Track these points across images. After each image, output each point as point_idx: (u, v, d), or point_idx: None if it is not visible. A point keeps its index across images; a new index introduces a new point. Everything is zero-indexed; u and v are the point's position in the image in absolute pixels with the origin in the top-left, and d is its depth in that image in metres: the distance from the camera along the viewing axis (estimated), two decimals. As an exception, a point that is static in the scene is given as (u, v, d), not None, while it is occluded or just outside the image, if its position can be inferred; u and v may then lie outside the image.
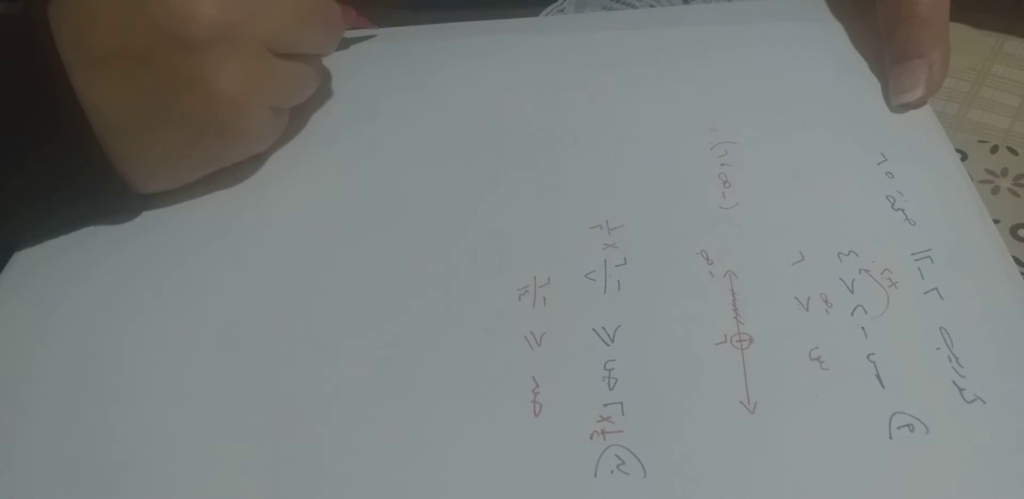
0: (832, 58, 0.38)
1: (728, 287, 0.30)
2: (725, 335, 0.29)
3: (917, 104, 0.35)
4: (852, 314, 0.29)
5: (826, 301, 0.29)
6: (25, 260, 0.34)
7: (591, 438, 0.27)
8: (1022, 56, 0.40)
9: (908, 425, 0.26)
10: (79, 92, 0.30)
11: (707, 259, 0.31)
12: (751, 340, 0.29)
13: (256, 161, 0.36)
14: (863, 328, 0.29)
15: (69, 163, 0.31)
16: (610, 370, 0.28)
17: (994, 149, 0.36)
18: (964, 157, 0.36)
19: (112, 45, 0.30)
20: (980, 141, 0.37)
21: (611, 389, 0.28)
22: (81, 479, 0.27)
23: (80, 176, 0.32)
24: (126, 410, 0.29)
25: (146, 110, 0.31)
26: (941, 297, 0.29)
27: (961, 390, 0.27)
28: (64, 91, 0.30)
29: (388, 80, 0.39)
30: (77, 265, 0.33)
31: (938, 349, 0.28)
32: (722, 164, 0.34)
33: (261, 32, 0.32)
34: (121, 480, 0.27)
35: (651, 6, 0.43)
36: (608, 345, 0.29)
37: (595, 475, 0.26)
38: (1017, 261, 0.31)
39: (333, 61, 0.40)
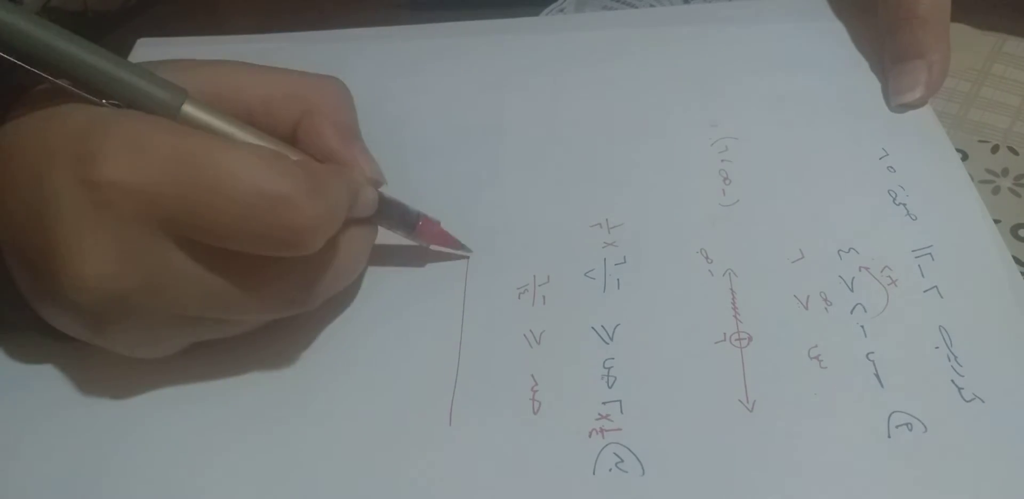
0: (832, 58, 0.38)
1: (727, 285, 0.30)
2: (724, 333, 0.29)
3: (917, 104, 0.35)
4: (851, 312, 0.29)
5: (825, 299, 0.29)
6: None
7: (590, 436, 0.27)
8: (1022, 56, 0.40)
9: (907, 424, 0.26)
10: None
11: (707, 257, 0.31)
12: (750, 338, 0.29)
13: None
14: (862, 327, 0.29)
15: None
16: (609, 368, 0.28)
17: (995, 149, 0.36)
18: (965, 157, 0.36)
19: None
20: (981, 141, 0.37)
21: (610, 387, 0.28)
22: None
23: None
24: None
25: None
26: (941, 296, 0.29)
27: (960, 389, 0.27)
28: None
29: (388, 80, 0.39)
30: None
31: (937, 348, 0.28)
32: (722, 160, 0.34)
33: (164, 302, 0.25)
34: None
35: (651, 5, 0.43)
36: (607, 343, 0.29)
37: (593, 473, 0.26)
38: (1017, 261, 0.31)
39: (331, 60, 0.40)
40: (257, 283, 0.26)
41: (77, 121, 0.24)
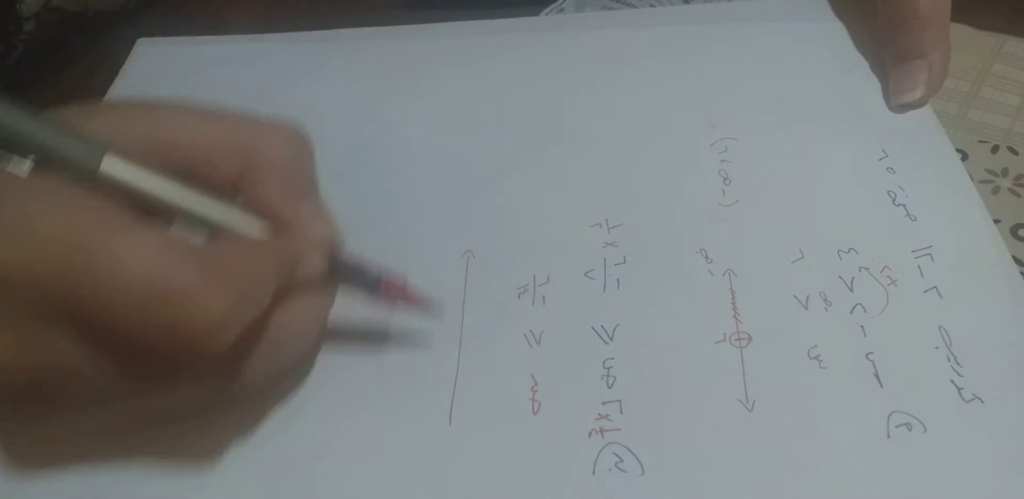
0: (832, 58, 0.38)
1: (727, 285, 0.30)
2: (724, 333, 0.29)
3: (917, 104, 0.35)
4: (851, 312, 0.29)
5: (825, 299, 0.29)
6: None
7: (589, 436, 0.27)
8: (1022, 56, 0.40)
9: (906, 424, 0.26)
10: None
11: (706, 257, 0.31)
12: (750, 338, 0.29)
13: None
14: (862, 327, 0.29)
15: None
16: (609, 368, 0.28)
17: (994, 149, 0.36)
18: (964, 157, 0.35)
19: None
20: (980, 141, 0.37)
21: (610, 387, 0.28)
22: None
23: None
24: None
25: None
26: (940, 296, 0.29)
27: (959, 389, 0.27)
28: None
29: (388, 80, 0.39)
30: None
31: (937, 348, 0.28)
32: (722, 161, 0.34)
33: (71, 390, 0.24)
34: None
35: (651, 5, 0.43)
36: (607, 343, 0.29)
37: (593, 473, 0.26)
38: (1017, 261, 0.31)
39: (332, 60, 0.40)
40: (166, 374, 0.23)
41: None
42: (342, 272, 0.27)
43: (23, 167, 0.23)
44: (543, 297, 0.31)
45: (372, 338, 0.30)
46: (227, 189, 0.26)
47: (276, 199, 0.25)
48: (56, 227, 0.22)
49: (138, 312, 0.21)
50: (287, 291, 0.25)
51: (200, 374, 0.24)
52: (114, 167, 0.23)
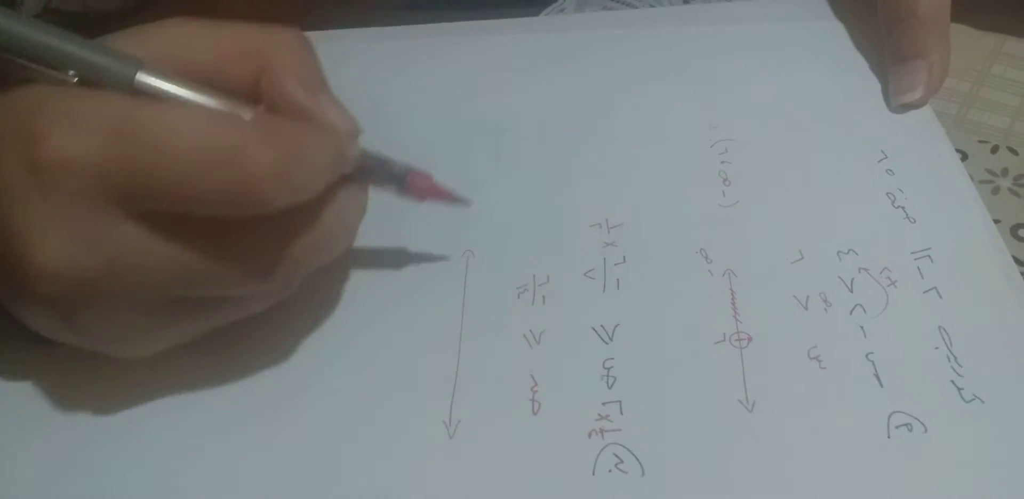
0: (832, 58, 0.38)
1: (727, 286, 0.30)
2: (724, 334, 0.29)
3: (917, 104, 0.35)
4: (851, 313, 0.29)
5: (825, 300, 0.29)
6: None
7: (589, 436, 0.27)
8: (1022, 56, 0.40)
9: (906, 424, 0.26)
10: None
11: (706, 258, 0.31)
12: (750, 339, 0.29)
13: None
14: (862, 327, 0.29)
15: None
16: (609, 369, 0.28)
17: (994, 149, 0.36)
18: (964, 157, 0.36)
19: None
20: (980, 141, 0.37)
21: (610, 388, 0.28)
22: None
23: None
24: None
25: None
26: (940, 296, 0.29)
27: (960, 389, 0.27)
28: None
29: (388, 80, 0.39)
30: None
31: (937, 348, 0.28)
32: (722, 162, 0.34)
33: (132, 284, 0.24)
34: None
35: (651, 6, 0.43)
36: (607, 343, 0.29)
37: (593, 473, 0.26)
38: (1017, 261, 0.31)
39: (331, 60, 0.40)
40: (230, 251, 0.24)
41: (24, 100, 0.23)
42: (367, 162, 0.28)
43: (67, 77, 0.24)
44: (543, 297, 0.31)
45: (373, 338, 0.30)
46: (246, 94, 0.26)
47: (299, 95, 0.26)
48: (108, 117, 0.22)
49: (196, 174, 0.22)
50: (328, 186, 0.26)
51: (265, 246, 0.25)
52: (148, 78, 0.24)
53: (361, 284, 0.32)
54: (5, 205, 0.23)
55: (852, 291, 0.30)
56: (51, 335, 0.26)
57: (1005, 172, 0.35)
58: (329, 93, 0.27)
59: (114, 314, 0.25)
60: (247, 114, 0.25)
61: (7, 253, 0.23)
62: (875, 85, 0.36)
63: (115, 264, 0.23)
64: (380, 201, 0.34)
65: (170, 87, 0.25)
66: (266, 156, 0.22)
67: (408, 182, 0.28)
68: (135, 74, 0.24)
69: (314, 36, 0.41)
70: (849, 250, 0.31)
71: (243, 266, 0.24)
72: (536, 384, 0.28)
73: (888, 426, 0.26)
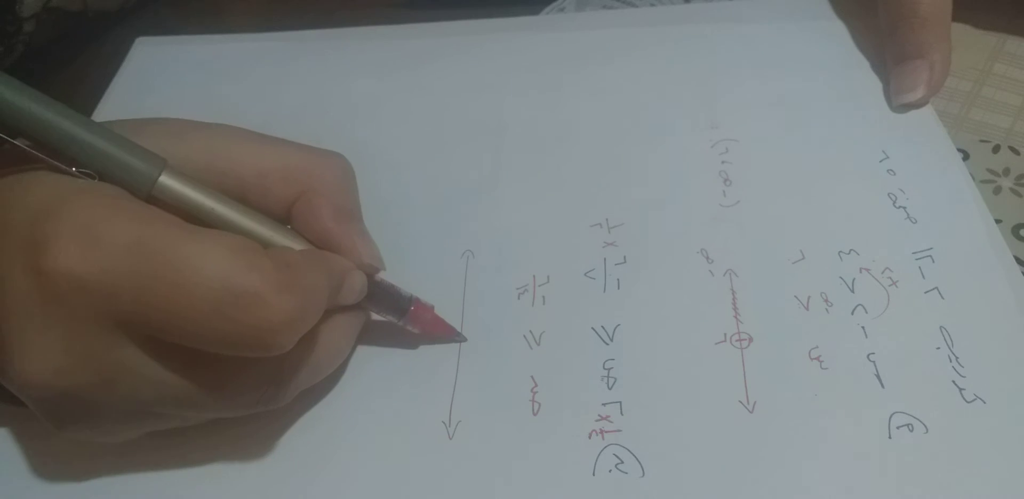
0: (833, 57, 0.38)
1: (728, 286, 0.30)
2: (725, 334, 0.29)
3: (918, 104, 0.35)
4: (852, 313, 0.29)
5: (826, 300, 0.29)
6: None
7: (590, 437, 0.27)
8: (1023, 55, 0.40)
9: (907, 425, 0.26)
10: None
11: (707, 258, 0.31)
12: (751, 339, 0.29)
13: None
14: (863, 327, 0.29)
15: None
16: (609, 369, 0.28)
17: (996, 149, 0.36)
18: (966, 157, 0.35)
19: None
20: (982, 141, 0.37)
21: (610, 388, 0.28)
22: None
23: None
24: None
25: None
26: (942, 296, 0.29)
27: (961, 390, 0.27)
28: None
29: (388, 79, 0.39)
30: None
31: (938, 349, 0.28)
32: (723, 162, 0.34)
33: (118, 399, 0.23)
34: None
35: (651, 5, 0.43)
36: (607, 344, 0.29)
37: (593, 474, 0.26)
38: (1019, 261, 0.31)
39: (331, 59, 0.40)
40: (221, 383, 0.24)
41: (37, 196, 0.22)
42: (377, 293, 0.28)
43: (88, 174, 0.23)
44: (543, 297, 0.31)
45: (372, 338, 0.30)
46: (278, 213, 0.26)
47: (330, 224, 0.26)
48: (124, 234, 0.22)
49: (212, 314, 0.21)
50: (330, 310, 0.26)
51: (257, 381, 0.24)
52: (171, 182, 0.24)
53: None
54: (3, 306, 0.22)
55: (853, 291, 0.30)
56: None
57: (1007, 172, 0.35)
58: (361, 225, 0.28)
59: (98, 421, 0.24)
60: (282, 235, 0.25)
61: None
62: (876, 85, 0.36)
63: (104, 380, 0.23)
64: (380, 201, 0.34)
65: (194, 196, 0.24)
66: (287, 305, 0.22)
67: (411, 313, 0.28)
68: (158, 176, 0.24)
69: (313, 35, 0.42)
70: (850, 250, 0.31)
71: (232, 395, 0.24)
72: (536, 385, 0.28)
73: (889, 426, 0.26)
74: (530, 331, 0.30)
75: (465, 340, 0.30)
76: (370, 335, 0.30)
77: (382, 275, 0.28)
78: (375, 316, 0.29)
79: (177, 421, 0.26)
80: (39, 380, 0.22)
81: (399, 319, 0.28)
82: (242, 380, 0.24)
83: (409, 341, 0.30)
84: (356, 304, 0.27)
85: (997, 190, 0.35)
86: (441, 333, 0.29)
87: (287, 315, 0.22)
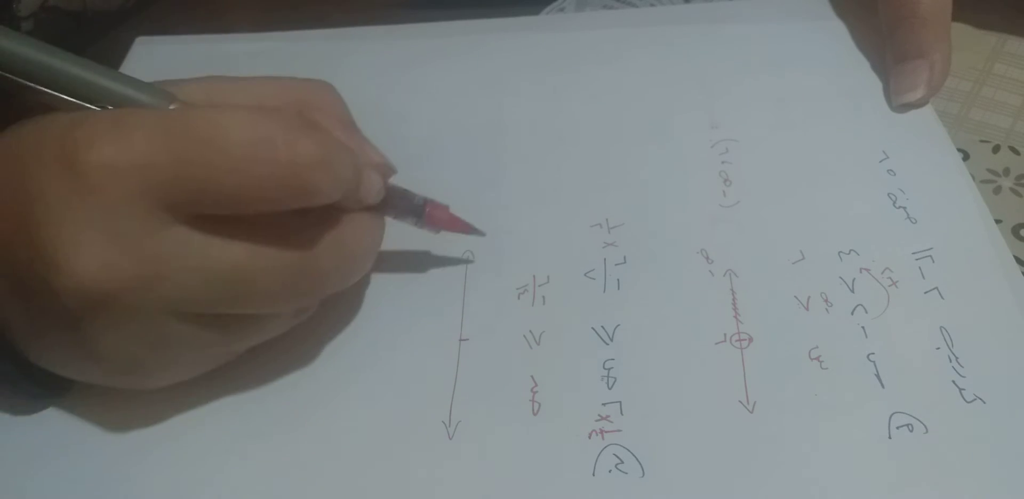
0: (833, 57, 0.38)
1: (728, 286, 0.30)
2: (725, 334, 0.29)
3: (918, 104, 0.35)
4: (852, 313, 0.29)
5: (826, 300, 0.29)
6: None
7: (590, 437, 0.27)
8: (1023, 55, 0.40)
9: (907, 425, 0.26)
10: None
11: (707, 258, 0.31)
12: (751, 339, 0.29)
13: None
14: (863, 327, 0.29)
15: None
16: (609, 369, 0.28)
17: (996, 149, 0.36)
18: (966, 157, 0.35)
19: None
20: (982, 141, 0.37)
21: (610, 388, 0.28)
22: None
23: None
24: None
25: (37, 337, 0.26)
26: (942, 297, 0.29)
27: (961, 390, 0.27)
28: None
29: (387, 79, 0.39)
30: None
31: (938, 349, 0.28)
32: (723, 162, 0.34)
33: (164, 294, 0.23)
34: None
35: (651, 5, 0.43)
36: (607, 344, 0.29)
37: (593, 474, 0.26)
38: (1019, 261, 0.31)
39: (331, 59, 0.40)
40: (267, 263, 0.24)
41: (64, 120, 0.23)
42: (391, 197, 0.28)
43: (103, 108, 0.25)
44: (543, 297, 0.31)
45: (372, 339, 0.30)
46: None
47: (340, 134, 0.27)
48: (151, 119, 0.23)
49: (246, 167, 0.23)
50: (352, 214, 0.27)
51: (294, 271, 0.25)
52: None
53: (361, 285, 0.31)
54: (40, 214, 0.22)
55: (853, 291, 0.30)
56: (66, 368, 0.26)
57: (1007, 172, 0.35)
58: (361, 133, 0.29)
59: (137, 333, 0.24)
60: None
61: (37, 263, 0.23)
62: (876, 84, 0.36)
63: (151, 272, 0.23)
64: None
65: None
66: (311, 144, 0.23)
67: (426, 214, 0.29)
68: (169, 106, 0.25)
69: (313, 35, 0.42)
70: (850, 250, 0.31)
71: (277, 280, 0.25)
72: (536, 385, 0.28)
73: (889, 426, 0.26)
74: (530, 331, 0.30)
75: (483, 235, 0.31)
76: (370, 334, 0.30)
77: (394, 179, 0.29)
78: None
79: (220, 347, 0.27)
80: (88, 278, 0.22)
81: (416, 221, 0.29)
82: (283, 265, 0.25)
83: (409, 342, 0.30)
84: (373, 210, 0.28)
85: (997, 190, 0.35)
86: (459, 230, 0.30)
87: (315, 153, 0.23)
